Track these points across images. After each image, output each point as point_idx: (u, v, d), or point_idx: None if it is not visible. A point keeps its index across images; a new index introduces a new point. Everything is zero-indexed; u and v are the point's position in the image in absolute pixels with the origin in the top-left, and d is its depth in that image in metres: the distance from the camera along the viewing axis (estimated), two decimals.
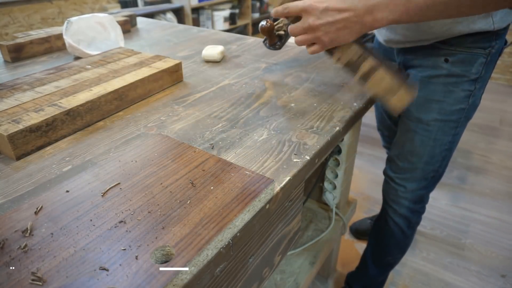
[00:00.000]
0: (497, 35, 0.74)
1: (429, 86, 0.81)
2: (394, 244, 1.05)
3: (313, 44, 0.63)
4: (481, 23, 0.71)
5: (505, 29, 0.75)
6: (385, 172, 0.99)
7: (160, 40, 1.09)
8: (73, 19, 0.89)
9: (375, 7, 0.57)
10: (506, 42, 0.79)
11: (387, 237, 1.04)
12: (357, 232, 1.52)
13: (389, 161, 0.97)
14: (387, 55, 0.92)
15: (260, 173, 0.48)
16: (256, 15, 3.88)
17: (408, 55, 0.84)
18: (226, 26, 3.41)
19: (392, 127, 1.14)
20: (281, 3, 0.67)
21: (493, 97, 2.78)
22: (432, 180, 0.92)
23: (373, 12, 0.57)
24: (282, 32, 0.78)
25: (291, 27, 0.63)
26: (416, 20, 0.57)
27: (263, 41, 0.82)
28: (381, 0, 0.56)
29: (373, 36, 1.26)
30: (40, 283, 0.31)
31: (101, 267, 0.33)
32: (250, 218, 0.41)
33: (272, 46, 0.80)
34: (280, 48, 0.80)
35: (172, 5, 2.99)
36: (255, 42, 1.06)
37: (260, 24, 0.74)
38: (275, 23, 0.77)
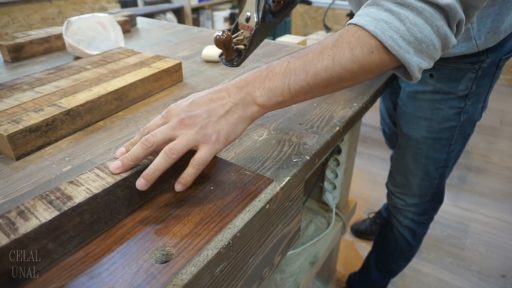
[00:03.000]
0: (488, 50, 0.67)
1: (416, 102, 0.77)
2: (399, 253, 1.04)
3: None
4: (463, 47, 0.66)
5: (505, 40, 0.67)
6: (386, 185, 0.98)
7: (160, 40, 1.09)
8: (73, 19, 0.89)
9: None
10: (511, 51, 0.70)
11: (392, 245, 1.03)
12: (357, 232, 1.52)
13: (389, 174, 0.96)
14: None
15: (260, 173, 0.48)
16: None
17: None
18: (226, 26, 3.41)
19: (391, 126, 1.13)
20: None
21: (493, 97, 2.76)
22: (434, 195, 0.89)
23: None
24: (241, 47, 0.65)
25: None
26: (297, 101, 0.45)
27: (219, 56, 0.68)
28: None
29: None
30: None
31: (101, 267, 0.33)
32: (250, 218, 0.40)
33: (229, 62, 0.66)
34: (238, 65, 0.65)
35: (172, 5, 2.98)
36: None
37: (215, 35, 0.60)
38: (233, 35, 0.65)
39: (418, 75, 0.43)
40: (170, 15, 2.93)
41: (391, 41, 0.39)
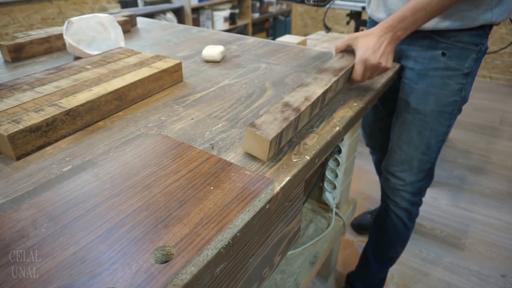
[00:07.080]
0: (486, 34, 0.80)
1: (427, 79, 0.85)
2: (397, 238, 1.07)
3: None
4: (484, 18, 0.76)
5: (490, 28, 0.82)
6: (384, 167, 1.00)
7: (160, 40, 1.09)
8: (74, 19, 0.89)
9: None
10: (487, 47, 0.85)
11: (389, 231, 1.06)
12: (359, 227, 1.53)
13: (387, 156, 0.99)
14: None
15: (260, 173, 0.48)
16: (256, 15, 3.88)
17: (403, 45, 0.87)
18: (226, 26, 3.41)
19: (370, 124, 1.17)
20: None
21: (493, 97, 2.78)
22: (428, 171, 0.95)
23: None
24: None
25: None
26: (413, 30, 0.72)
27: None
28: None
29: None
30: None
31: (101, 267, 0.33)
32: (250, 218, 0.41)
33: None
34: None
35: (172, 5, 2.98)
36: (255, 42, 1.06)
37: None
38: None
39: None
40: (170, 15, 2.93)
41: None
